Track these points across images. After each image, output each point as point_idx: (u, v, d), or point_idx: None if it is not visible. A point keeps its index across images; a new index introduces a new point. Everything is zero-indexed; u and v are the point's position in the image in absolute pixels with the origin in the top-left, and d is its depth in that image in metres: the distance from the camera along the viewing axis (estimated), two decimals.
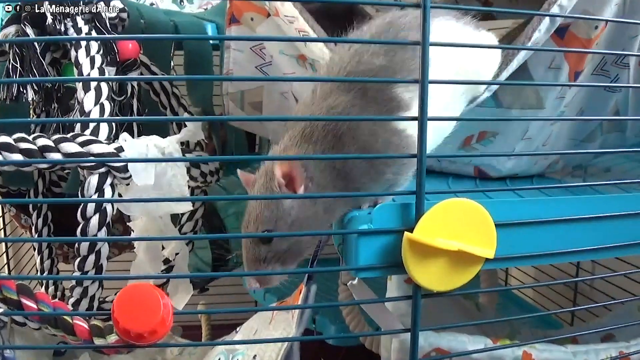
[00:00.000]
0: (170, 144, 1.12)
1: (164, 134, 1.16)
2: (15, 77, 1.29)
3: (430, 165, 0.84)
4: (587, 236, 0.83)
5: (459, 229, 0.73)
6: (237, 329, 1.24)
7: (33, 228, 1.60)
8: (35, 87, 1.29)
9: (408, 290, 1.11)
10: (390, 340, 1.05)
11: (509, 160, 1.10)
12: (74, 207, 1.12)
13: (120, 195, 1.11)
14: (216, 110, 1.58)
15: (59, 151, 1.05)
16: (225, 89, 1.30)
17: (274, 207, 0.83)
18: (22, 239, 1.90)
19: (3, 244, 2.15)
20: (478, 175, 1.12)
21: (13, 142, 1.06)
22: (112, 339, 0.91)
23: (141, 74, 1.38)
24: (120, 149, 1.07)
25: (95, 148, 1.05)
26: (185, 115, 1.36)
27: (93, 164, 1.05)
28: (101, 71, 1.19)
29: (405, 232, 0.72)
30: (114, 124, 1.14)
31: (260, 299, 1.78)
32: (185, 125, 1.22)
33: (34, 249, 1.63)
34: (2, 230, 2.11)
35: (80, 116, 1.13)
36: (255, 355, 1.06)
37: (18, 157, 1.06)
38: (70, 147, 1.05)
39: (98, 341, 0.95)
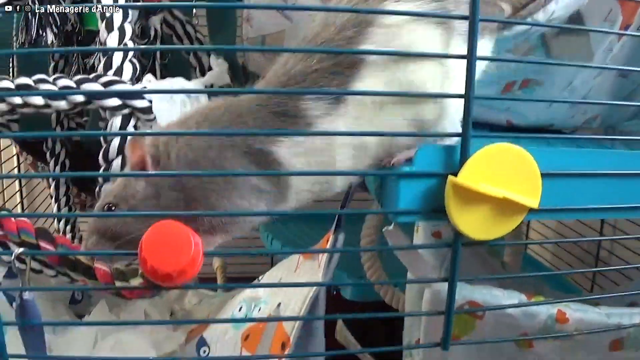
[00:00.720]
0: (196, 87, 1.09)
1: (187, 80, 1.13)
2: (35, 20, 1.26)
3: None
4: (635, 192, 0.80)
5: (503, 176, 0.70)
6: (260, 278, 1.22)
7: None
8: (55, 30, 1.26)
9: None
10: (416, 292, 1.03)
11: (547, 110, 1.07)
12: (92, 156, 1.10)
13: None
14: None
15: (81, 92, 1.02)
16: (245, 34, 1.27)
17: (122, 184, 0.82)
18: (39, 174, 1.86)
19: (17, 194, 2.13)
20: (510, 126, 1.09)
21: (33, 83, 1.04)
22: (135, 282, 0.88)
23: (164, 18, 1.35)
24: None
25: (118, 88, 1.02)
26: (211, 60, 1.32)
27: (117, 104, 1.02)
28: (125, 12, 1.15)
29: (449, 176, 0.68)
30: (137, 65, 1.10)
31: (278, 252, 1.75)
32: (212, 69, 1.19)
33: (51, 197, 1.62)
34: (18, 181, 2.10)
35: (103, 57, 1.10)
36: (279, 304, 1.04)
37: (39, 98, 1.04)
38: (93, 88, 1.02)
39: (120, 285, 0.93)
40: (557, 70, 1.03)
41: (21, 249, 0.77)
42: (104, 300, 1.40)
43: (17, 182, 2.11)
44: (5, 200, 2.02)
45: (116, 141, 1.04)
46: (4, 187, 2.03)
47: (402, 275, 1.07)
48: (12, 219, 1.04)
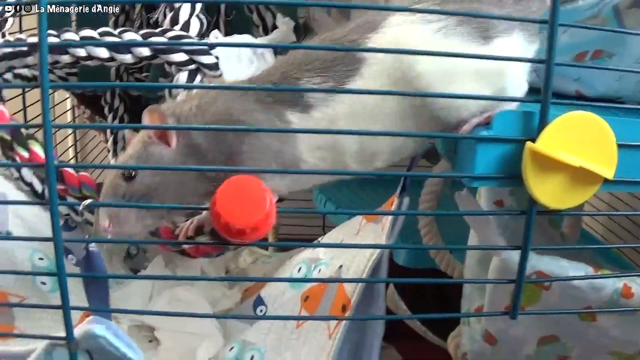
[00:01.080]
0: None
1: None
2: None
3: (530, 82, 0.80)
4: None
5: (580, 145, 0.68)
6: (319, 239, 1.22)
7: (108, 130, 1.59)
8: None
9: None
10: (477, 260, 1.04)
11: (617, 82, 1.06)
12: None
13: None
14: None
15: (146, 46, 1.02)
16: None
17: (142, 151, 0.83)
18: (97, 125, 1.85)
19: (71, 149, 2.15)
20: (579, 96, 1.08)
21: (98, 36, 1.04)
22: (201, 239, 0.88)
23: None
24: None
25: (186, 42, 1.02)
26: (277, 19, 1.31)
27: (184, 60, 1.02)
28: None
29: (528, 142, 0.67)
30: (204, 21, 1.10)
31: (331, 215, 1.75)
32: (275, 27, 1.18)
33: (108, 151, 1.62)
34: (72, 136, 2.12)
35: (170, 12, 1.09)
36: (341, 266, 1.04)
37: (104, 51, 1.04)
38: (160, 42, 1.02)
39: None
40: (630, 42, 1.01)
41: (89, 200, 0.76)
42: (160, 256, 1.41)
43: (71, 137, 2.13)
44: (59, 155, 2.03)
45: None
46: (57, 143, 2.05)
47: (459, 242, 1.07)
48: (74, 173, 1.04)
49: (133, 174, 0.81)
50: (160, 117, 0.81)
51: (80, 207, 0.76)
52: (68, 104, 2.02)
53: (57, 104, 1.97)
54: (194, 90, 0.90)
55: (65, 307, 0.72)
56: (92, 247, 0.75)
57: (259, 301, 1.21)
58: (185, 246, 1.02)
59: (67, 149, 2.14)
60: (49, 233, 1.21)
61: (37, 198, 1.19)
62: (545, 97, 0.67)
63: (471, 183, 0.75)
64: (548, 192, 0.69)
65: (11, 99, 1.47)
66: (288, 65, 0.84)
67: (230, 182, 0.67)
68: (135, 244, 1.30)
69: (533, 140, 0.67)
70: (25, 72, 1.28)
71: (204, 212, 0.90)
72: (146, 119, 0.81)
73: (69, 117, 2.07)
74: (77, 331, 0.73)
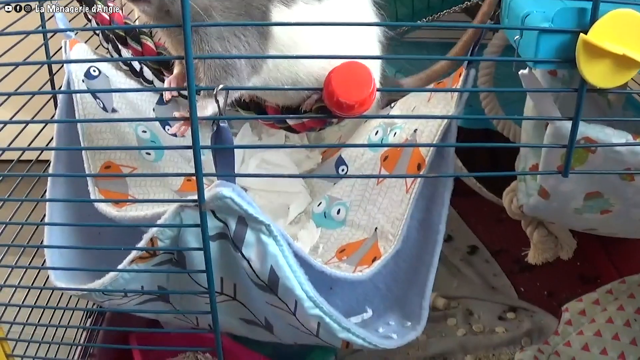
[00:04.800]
0: None
1: None
2: None
3: None
4: None
5: (624, 36, 0.81)
6: (392, 105, 1.37)
7: None
8: None
9: (553, 83, 1.20)
10: (533, 124, 1.17)
11: None
12: None
13: None
14: None
15: None
16: None
17: None
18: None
19: None
20: None
21: None
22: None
23: None
24: None
25: None
26: None
27: None
28: None
29: (581, 34, 0.81)
30: None
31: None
32: None
33: None
34: None
35: None
36: (415, 130, 1.20)
37: None
38: None
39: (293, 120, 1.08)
40: None
41: (221, 85, 0.87)
42: (247, 124, 1.57)
43: None
44: None
45: None
46: None
47: (516, 104, 1.20)
48: None
49: None
50: None
51: (214, 91, 0.88)
52: None
53: None
54: None
55: (198, 174, 0.86)
56: (223, 123, 0.89)
57: (340, 161, 1.38)
58: (291, 123, 1.14)
59: None
60: (149, 109, 1.38)
61: (136, 76, 1.35)
62: None
63: (535, 66, 0.90)
64: (596, 74, 0.83)
65: None
66: None
67: (341, 66, 0.83)
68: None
69: (585, 32, 0.81)
70: None
71: None
72: None
73: None
74: (207, 194, 0.89)
